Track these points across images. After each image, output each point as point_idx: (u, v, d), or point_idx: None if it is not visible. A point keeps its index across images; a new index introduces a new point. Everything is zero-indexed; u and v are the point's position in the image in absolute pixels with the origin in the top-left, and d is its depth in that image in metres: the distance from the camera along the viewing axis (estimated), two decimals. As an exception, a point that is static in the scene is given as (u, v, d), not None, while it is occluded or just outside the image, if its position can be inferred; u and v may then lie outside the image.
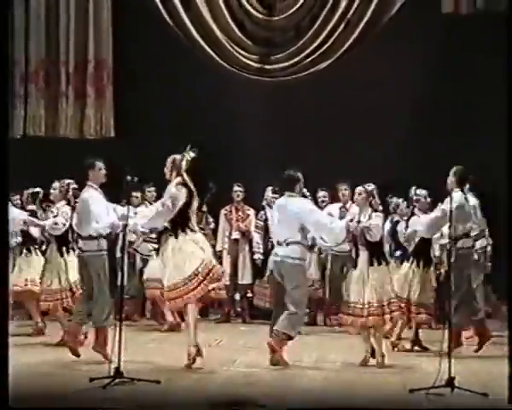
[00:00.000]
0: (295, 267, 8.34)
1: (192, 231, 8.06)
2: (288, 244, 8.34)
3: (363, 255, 8.38)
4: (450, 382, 6.88)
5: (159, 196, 9.57)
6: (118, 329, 7.24)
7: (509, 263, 8.37)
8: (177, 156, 8.23)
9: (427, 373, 7.45)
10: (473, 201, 9.22)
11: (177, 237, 8.01)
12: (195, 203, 8.19)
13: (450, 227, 7.97)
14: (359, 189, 8.63)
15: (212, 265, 8.01)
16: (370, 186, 8.57)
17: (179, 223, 8.03)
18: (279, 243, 8.45)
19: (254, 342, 9.68)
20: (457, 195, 8.75)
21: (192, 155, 8.27)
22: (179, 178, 8.15)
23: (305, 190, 8.63)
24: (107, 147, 13.04)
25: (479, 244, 9.87)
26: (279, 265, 8.38)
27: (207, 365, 8.10)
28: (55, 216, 9.48)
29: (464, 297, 8.87)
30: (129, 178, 7.71)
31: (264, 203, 11.41)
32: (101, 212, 8.24)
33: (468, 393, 6.73)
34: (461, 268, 8.80)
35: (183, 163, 8.19)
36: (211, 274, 7.96)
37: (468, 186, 9.16)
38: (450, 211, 7.70)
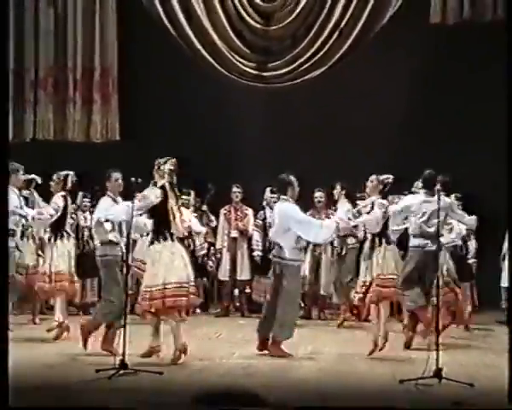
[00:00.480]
0: (289, 268, 8.34)
1: (172, 240, 7.73)
2: (280, 247, 8.36)
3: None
4: (437, 373, 6.88)
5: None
6: (122, 322, 7.23)
7: (509, 263, 8.41)
8: (161, 160, 8.12)
9: (416, 365, 7.45)
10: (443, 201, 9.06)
11: (158, 243, 7.74)
12: (175, 210, 7.85)
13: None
14: (372, 177, 8.68)
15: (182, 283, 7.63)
16: (384, 176, 8.68)
17: (158, 229, 7.79)
18: (275, 244, 8.48)
19: (252, 335, 9.64)
20: (408, 197, 8.80)
21: (173, 161, 8.15)
22: (161, 181, 7.99)
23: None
24: (113, 150, 13.05)
25: (446, 240, 9.86)
26: (275, 265, 8.39)
27: (208, 356, 8.10)
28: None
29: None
30: (133, 179, 7.73)
31: (264, 203, 11.44)
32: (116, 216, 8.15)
33: (454, 383, 6.74)
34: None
35: (166, 166, 8.07)
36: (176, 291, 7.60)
37: (438, 187, 9.08)
38: (438, 209, 7.74)
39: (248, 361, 7.99)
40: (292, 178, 8.50)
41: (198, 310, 12.20)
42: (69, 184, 9.34)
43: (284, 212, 8.38)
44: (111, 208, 8.08)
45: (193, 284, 7.75)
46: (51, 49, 13.49)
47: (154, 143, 12.90)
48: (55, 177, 9.50)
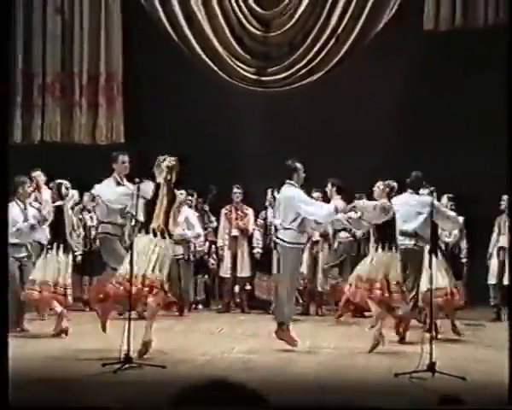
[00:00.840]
0: (291, 250, 8.33)
1: (154, 235, 7.64)
2: (285, 229, 8.34)
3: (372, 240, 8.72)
4: (431, 366, 6.89)
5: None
6: (127, 318, 7.22)
7: (509, 263, 8.40)
8: (161, 157, 8.09)
9: (411, 359, 7.45)
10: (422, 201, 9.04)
11: (139, 234, 7.70)
12: (162, 205, 7.75)
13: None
14: (379, 183, 8.77)
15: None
16: (388, 181, 8.71)
17: (143, 222, 7.71)
18: (278, 227, 8.52)
19: (252, 330, 9.69)
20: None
21: (172, 159, 8.14)
22: (158, 178, 7.96)
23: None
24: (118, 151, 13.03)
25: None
26: (277, 247, 8.44)
27: (210, 351, 8.10)
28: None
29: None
30: (137, 179, 7.74)
31: (266, 204, 11.50)
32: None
33: (447, 376, 6.74)
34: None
35: (164, 164, 8.04)
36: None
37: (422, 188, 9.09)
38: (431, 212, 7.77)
39: (248, 356, 7.99)
40: (298, 164, 8.51)
41: (200, 306, 12.21)
42: (63, 192, 9.19)
43: (289, 195, 8.38)
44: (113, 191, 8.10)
45: (159, 280, 7.52)
46: (58, 56, 13.50)
47: (157, 145, 12.88)
48: (51, 184, 9.43)
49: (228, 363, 7.59)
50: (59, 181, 9.28)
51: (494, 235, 11.23)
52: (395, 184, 8.83)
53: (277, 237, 8.50)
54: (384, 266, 8.50)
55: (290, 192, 8.41)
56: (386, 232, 8.57)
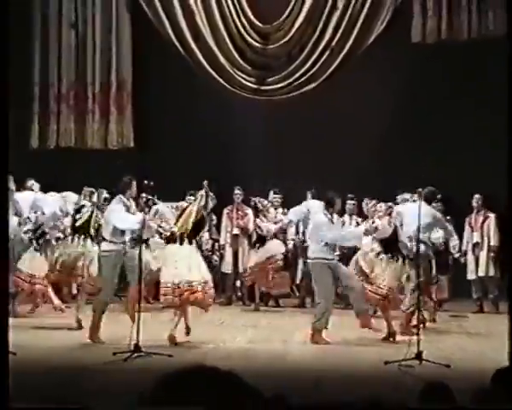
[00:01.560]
0: (321, 266, 8.36)
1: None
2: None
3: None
4: (418, 355, 6.90)
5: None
6: (137, 310, 7.24)
7: (508, 262, 8.41)
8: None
9: (399, 348, 7.46)
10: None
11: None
12: (189, 218, 8.25)
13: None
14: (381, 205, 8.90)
15: None
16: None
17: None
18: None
19: (252, 322, 9.70)
20: None
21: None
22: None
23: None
24: (128, 156, 13.06)
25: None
26: (308, 263, 8.58)
27: (212, 341, 8.11)
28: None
29: None
30: (146, 182, 7.77)
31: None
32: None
33: (433, 364, 6.76)
34: None
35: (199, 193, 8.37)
36: None
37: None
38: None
39: (248, 346, 8.00)
40: (337, 199, 8.64)
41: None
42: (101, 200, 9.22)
43: (319, 221, 8.51)
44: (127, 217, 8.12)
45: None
46: (73, 67, 13.51)
47: (164, 149, 12.95)
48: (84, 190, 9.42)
49: (229, 352, 7.60)
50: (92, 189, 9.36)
51: (466, 233, 11.18)
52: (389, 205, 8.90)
53: (307, 256, 8.61)
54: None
55: (321, 219, 8.47)
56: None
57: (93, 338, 7.93)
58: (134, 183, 8.20)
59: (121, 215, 8.01)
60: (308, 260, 8.61)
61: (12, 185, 9.07)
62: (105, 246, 8.19)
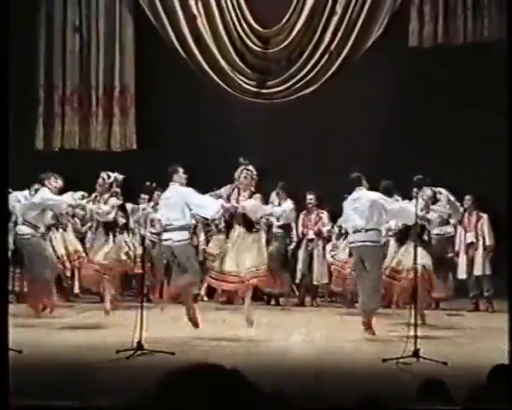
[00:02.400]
0: (375, 249, 8.27)
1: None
2: (366, 230, 8.26)
3: None
4: (415, 352, 6.89)
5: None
6: (140, 308, 7.23)
7: (508, 262, 8.39)
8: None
9: (397, 345, 7.45)
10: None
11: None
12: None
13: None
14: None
15: None
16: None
17: None
18: (357, 230, 8.33)
19: (256, 319, 9.66)
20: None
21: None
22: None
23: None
24: (131, 158, 13.06)
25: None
26: (360, 249, 8.30)
27: (214, 339, 8.10)
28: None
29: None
30: (148, 183, 7.75)
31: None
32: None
33: (431, 362, 6.74)
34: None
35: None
36: None
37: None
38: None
39: (250, 344, 7.99)
40: (360, 174, 8.57)
41: (205, 297, 12.18)
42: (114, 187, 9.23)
43: (372, 197, 8.34)
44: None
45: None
46: (77, 70, 13.51)
47: (167, 151, 12.94)
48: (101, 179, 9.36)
49: (231, 350, 7.59)
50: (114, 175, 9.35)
51: (458, 233, 11.15)
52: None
53: (357, 240, 8.33)
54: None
55: (372, 195, 8.36)
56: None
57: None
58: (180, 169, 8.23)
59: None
60: (369, 245, 8.27)
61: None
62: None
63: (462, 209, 9.58)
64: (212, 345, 7.82)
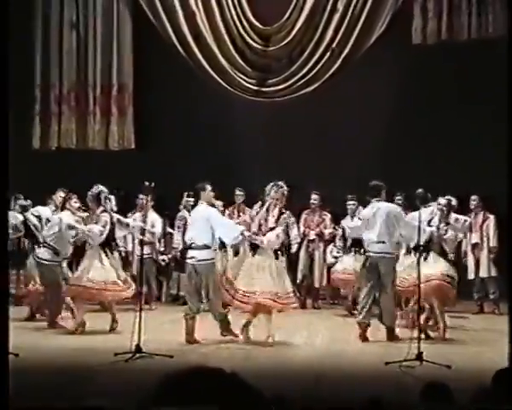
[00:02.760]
0: (391, 261, 8.40)
1: None
2: (382, 242, 8.36)
3: None
4: (419, 356, 6.90)
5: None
6: (138, 311, 7.24)
7: (508, 262, 8.41)
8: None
9: (400, 348, 7.45)
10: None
11: None
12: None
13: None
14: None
15: None
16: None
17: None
18: (375, 242, 8.42)
19: (253, 322, 9.66)
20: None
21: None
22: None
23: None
24: (129, 157, 13.07)
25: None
26: (376, 259, 8.37)
27: (214, 342, 8.11)
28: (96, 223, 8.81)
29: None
30: (147, 183, 7.76)
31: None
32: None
33: (434, 365, 6.75)
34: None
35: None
36: None
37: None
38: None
39: (250, 347, 8.00)
40: (382, 183, 8.60)
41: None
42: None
43: (390, 210, 8.46)
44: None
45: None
46: (74, 68, 13.51)
47: (165, 151, 12.96)
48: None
49: (230, 353, 7.60)
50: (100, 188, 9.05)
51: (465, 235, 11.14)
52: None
53: (373, 252, 8.40)
54: None
55: (392, 208, 8.50)
56: None
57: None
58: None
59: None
60: (387, 256, 8.38)
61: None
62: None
63: (467, 224, 9.63)
64: (210, 348, 7.83)
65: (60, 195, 9.76)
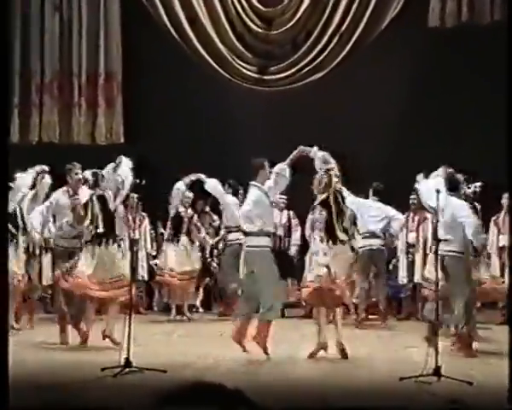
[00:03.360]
0: (461, 260, 8.28)
1: None
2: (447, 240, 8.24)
3: None
4: (436, 370, 6.86)
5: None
6: (127, 321, 7.21)
7: (509, 263, 8.40)
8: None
9: (415, 363, 7.42)
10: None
11: None
12: None
13: None
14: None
15: None
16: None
17: None
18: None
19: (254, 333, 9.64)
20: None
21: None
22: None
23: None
24: (117, 152, 13.03)
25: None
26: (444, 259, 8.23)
27: (211, 355, 8.08)
28: None
29: None
30: (137, 180, 7.73)
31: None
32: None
33: (453, 381, 6.72)
34: None
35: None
36: None
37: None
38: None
39: (249, 360, 7.97)
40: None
41: (200, 309, 12.18)
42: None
43: (457, 204, 8.34)
44: None
45: None
46: (57, 54, 13.51)
47: (157, 145, 12.94)
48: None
49: (228, 368, 7.57)
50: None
51: (491, 233, 11.10)
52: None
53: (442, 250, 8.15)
54: None
55: (459, 202, 8.36)
56: None
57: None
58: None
59: None
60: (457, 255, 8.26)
61: None
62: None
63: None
64: (207, 362, 7.81)
65: None
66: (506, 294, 9.23)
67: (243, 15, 13.23)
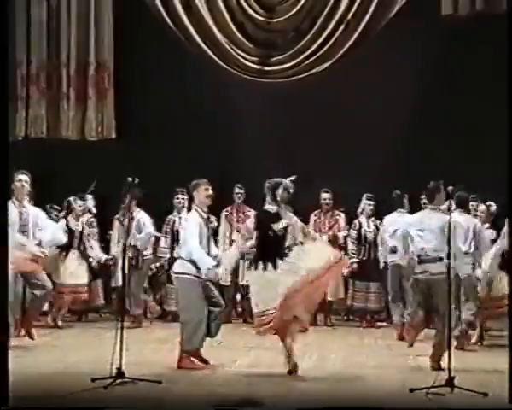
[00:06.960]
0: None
1: None
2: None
3: None
4: (449, 381, 6.87)
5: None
6: (119, 330, 7.22)
7: (508, 263, 8.42)
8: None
9: (426, 373, 7.44)
10: None
11: None
12: None
13: None
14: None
15: None
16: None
17: None
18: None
19: (255, 342, 9.66)
20: None
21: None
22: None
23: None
24: (109, 148, 13.06)
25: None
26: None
27: (208, 365, 8.09)
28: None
29: None
30: (130, 179, 7.73)
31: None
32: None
33: (468, 392, 6.72)
34: None
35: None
36: None
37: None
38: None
39: (250, 370, 7.98)
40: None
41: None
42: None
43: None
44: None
45: None
46: (44, 43, 13.50)
47: (151, 141, 12.95)
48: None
49: (228, 378, 7.58)
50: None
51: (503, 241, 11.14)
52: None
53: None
54: None
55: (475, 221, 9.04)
56: None
57: None
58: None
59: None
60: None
61: None
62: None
63: None
64: (205, 371, 7.82)
65: None
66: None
67: (243, 2, 13.22)
